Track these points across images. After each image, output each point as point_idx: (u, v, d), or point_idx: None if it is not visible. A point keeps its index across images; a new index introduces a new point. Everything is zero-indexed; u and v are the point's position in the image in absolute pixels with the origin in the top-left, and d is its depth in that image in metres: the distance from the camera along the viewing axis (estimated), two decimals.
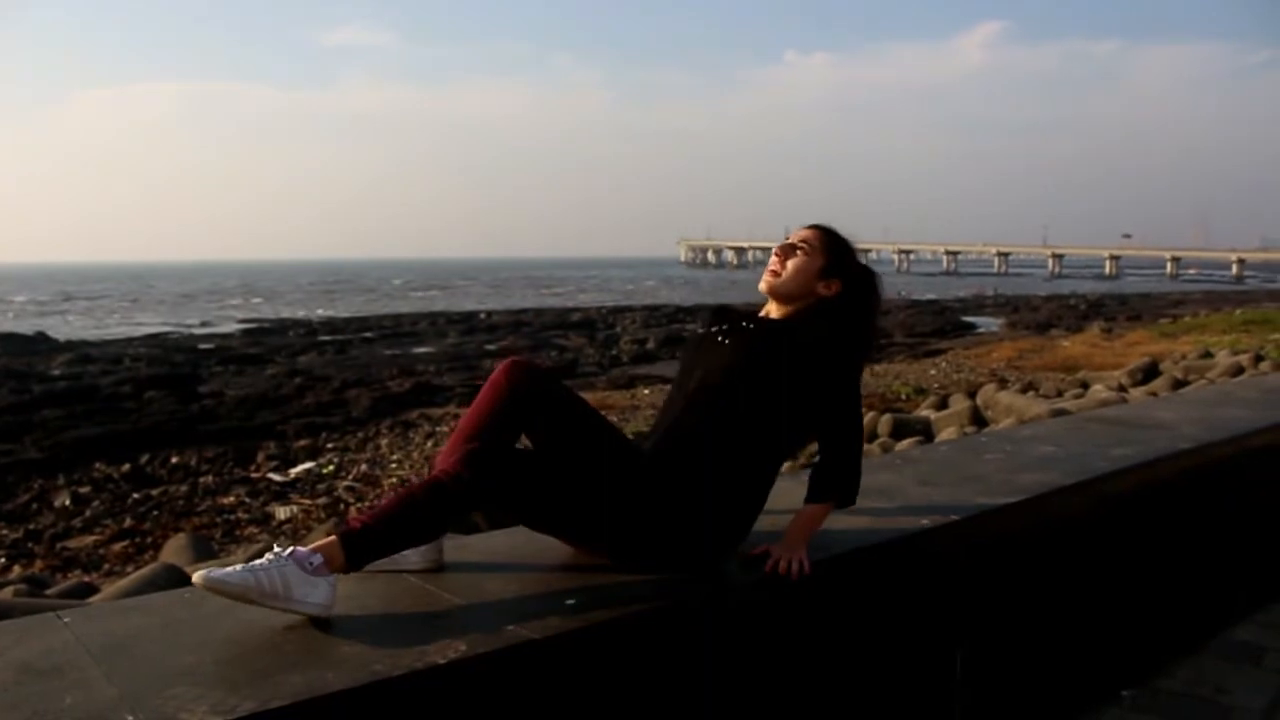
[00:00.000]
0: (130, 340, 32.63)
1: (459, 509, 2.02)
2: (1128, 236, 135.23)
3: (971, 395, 14.97)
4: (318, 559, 1.88)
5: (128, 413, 17.25)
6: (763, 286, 2.45)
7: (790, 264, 2.41)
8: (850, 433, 2.32)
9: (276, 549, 1.89)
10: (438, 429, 15.93)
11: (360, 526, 1.96)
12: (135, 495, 11.88)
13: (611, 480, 2.14)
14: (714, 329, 2.41)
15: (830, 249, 2.43)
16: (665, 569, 2.16)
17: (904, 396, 17.42)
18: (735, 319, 2.43)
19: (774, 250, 2.46)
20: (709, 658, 2.09)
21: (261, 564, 1.84)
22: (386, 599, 2.02)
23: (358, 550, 1.94)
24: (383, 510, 1.99)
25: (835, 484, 2.30)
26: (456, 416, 16.92)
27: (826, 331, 2.32)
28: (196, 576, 1.81)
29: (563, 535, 2.24)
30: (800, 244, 2.43)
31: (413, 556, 2.13)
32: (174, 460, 13.63)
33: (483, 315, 42.59)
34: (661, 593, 2.06)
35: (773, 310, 2.47)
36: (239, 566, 1.84)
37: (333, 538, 1.95)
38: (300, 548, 1.90)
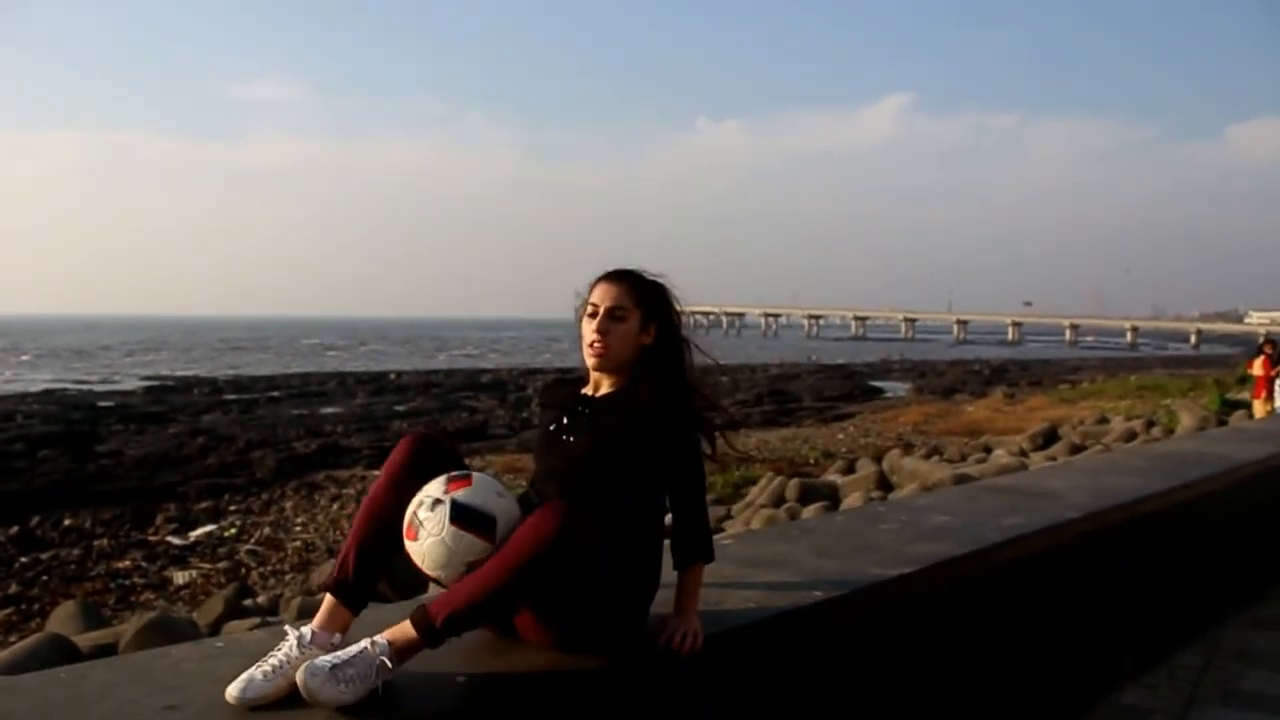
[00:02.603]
0: (24, 396, 31.57)
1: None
2: (1029, 304, 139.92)
3: (878, 460, 15.22)
4: (336, 637, 1.95)
5: (19, 472, 16.70)
6: (592, 364, 2.31)
7: (615, 335, 2.29)
8: (697, 487, 2.29)
9: (290, 631, 1.92)
10: (344, 491, 15.67)
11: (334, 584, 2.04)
12: (23, 559, 11.45)
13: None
14: (552, 428, 2.33)
15: (641, 299, 2.34)
16: (602, 648, 2.12)
17: (812, 461, 17.63)
18: (569, 406, 2.34)
19: (594, 325, 2.28)
20: None
21: (281, 662, 1.84)
22: None
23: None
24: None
25: (700, 543, 2.27)
26: (364, 479, 16.69)
27: (654, 391, 2.27)
28: (231, 695, 1.77)
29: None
30: (617, 308, 2.30)
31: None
32: (67, 522, 13.20)
33: (392, 376, 42.19)
34: (544, 676, 2.06)
35: (603, 381, 2.35)
36: (261, 673, 1.81)
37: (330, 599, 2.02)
38: (318, 630, 1.96)
